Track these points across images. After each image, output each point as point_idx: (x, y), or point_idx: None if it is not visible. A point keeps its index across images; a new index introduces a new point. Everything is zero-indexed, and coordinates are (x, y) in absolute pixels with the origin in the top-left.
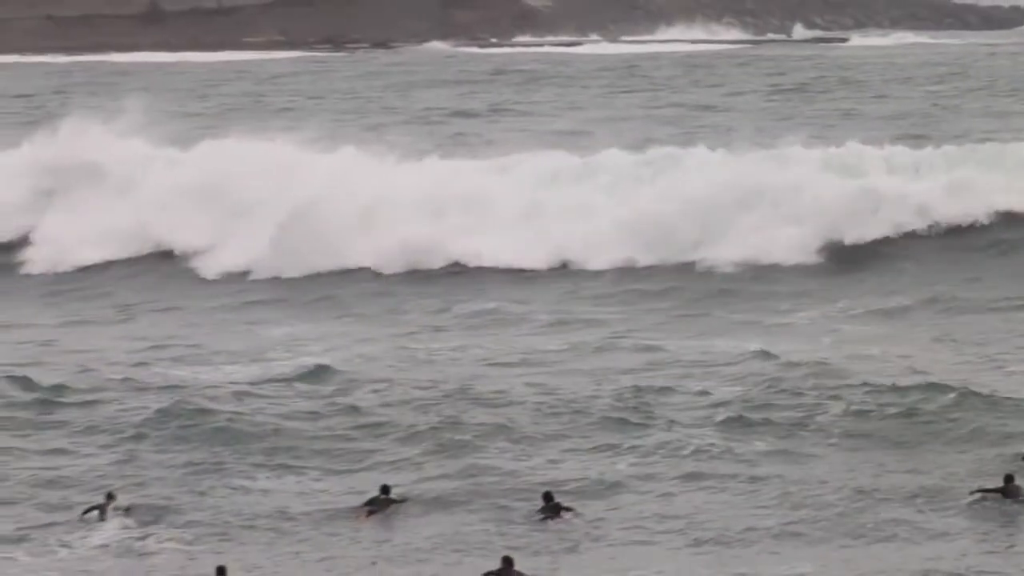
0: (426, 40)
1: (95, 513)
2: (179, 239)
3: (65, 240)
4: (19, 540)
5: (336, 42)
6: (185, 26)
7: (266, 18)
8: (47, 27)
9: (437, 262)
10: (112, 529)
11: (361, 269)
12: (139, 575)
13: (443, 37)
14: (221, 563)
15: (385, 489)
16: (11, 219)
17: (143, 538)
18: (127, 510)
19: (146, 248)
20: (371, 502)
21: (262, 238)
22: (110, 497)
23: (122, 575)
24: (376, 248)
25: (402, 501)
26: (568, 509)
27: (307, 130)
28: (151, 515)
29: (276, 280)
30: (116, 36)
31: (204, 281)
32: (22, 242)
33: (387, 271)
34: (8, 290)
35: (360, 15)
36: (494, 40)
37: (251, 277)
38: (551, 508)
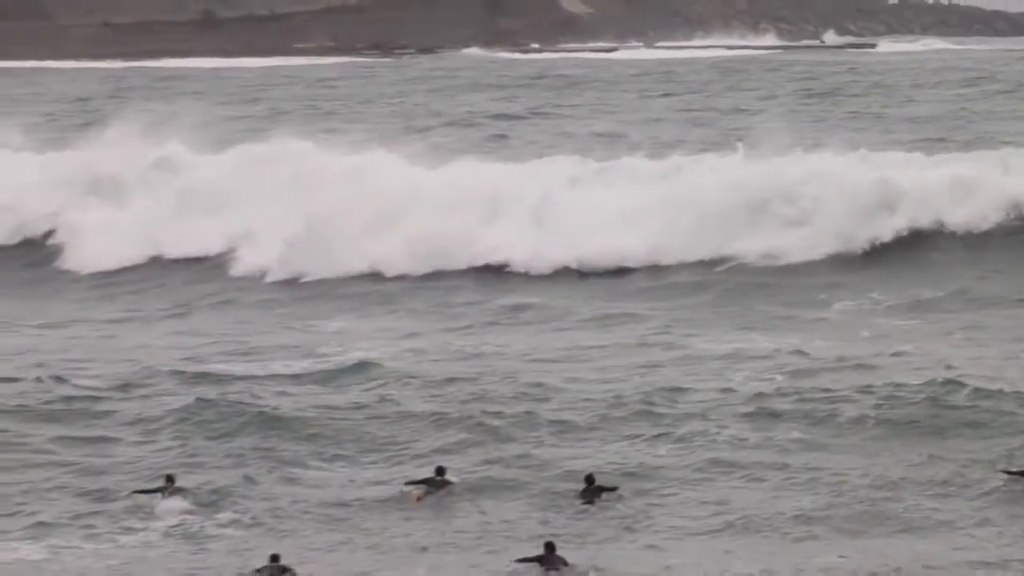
0: (471, 46)
1: (156, 494)
2: (219, 238)
3: (115, 238)
4: (80, 528)
5: (384, 48)
6: (239, 32)
7: (317, 25)
8: (104, 34)
9: (474, 260)
10: (171, 513)
11: (397, 267)
12: (199, 560)
13: (488, 43)
14: (275, 551)
15: (440, 471)
16: (61, 217)
17: (201, 525)
18: (185, 493)
19: (191, 248)
20: (425, 482)
21: (303, 237)
22: (169, 480)
23: (183, 560)
24: (412, 246)
25: (453, 483)
26: (611, 489)
27: (352, 132)
28: (207, 501)
29: (320, 278)
30: (171, 42)
31: (252, 279)
32: (73, 240)
33: (422, 270)
34: (61, 288)
35: (407, 22)
36: (536, 46)
37: (300, 276)
38: (592, 491)
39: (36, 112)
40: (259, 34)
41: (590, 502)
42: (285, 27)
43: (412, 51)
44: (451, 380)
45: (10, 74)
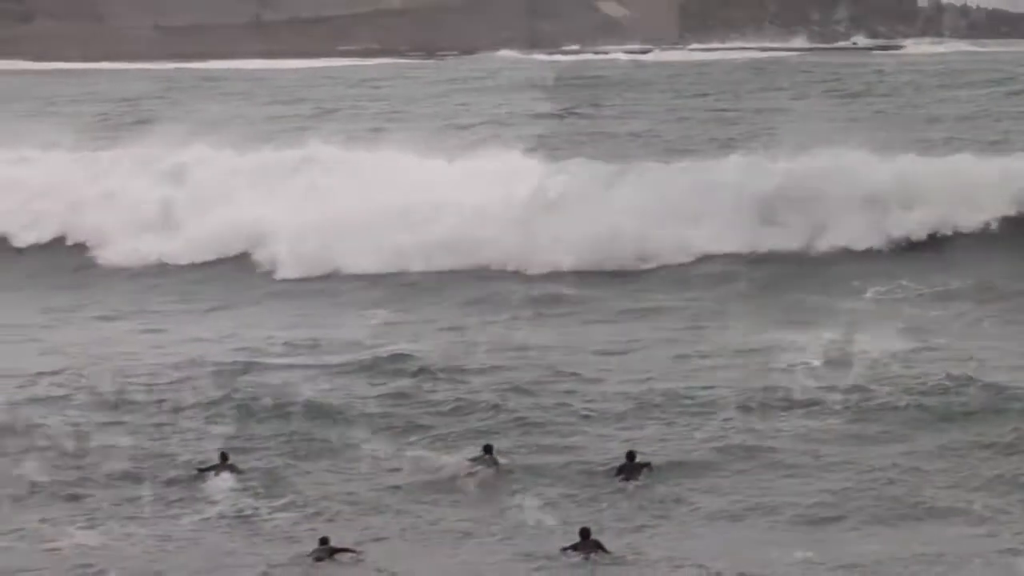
0: (511, 48)
1: (211, 472)
2: (252, 235)
3: (162, 235)
4: (135, 513)
5: (427, 50)
6: (285, 35)
7: (361, 27)
8: (155, 36)
9: (504, 256)
10: (225, 496)
11: (431, 263)
12: (252, 545)
13: (527, 46)
14: (324, 534)
15: (488, 448)
16: (107, 216)
17: (254, 509)
18: (239, 472)
19: (224, 245)
20: (475, 460)
21: (337, 233)
22: (224, 458)
23: (236, 545)
24: (445, 242)
25: (500, 463)
26: (646, 465)
27: (392, 130)
28: (259, 487)
29: (356, 273)
30: (220, 44)
31: (288, 276)
32: (122, 238)
33: (455, 265)
34: (112, 284)
35: (449, 25)
36: (575, 47)
37: (336, 271)
38: (633, 467)
39: (90, 112)
40: (305, 36)
41: (628, 479)
42: (330, 29)
43: (455, 53)
44: (490, 370)
45: (64, 75)
